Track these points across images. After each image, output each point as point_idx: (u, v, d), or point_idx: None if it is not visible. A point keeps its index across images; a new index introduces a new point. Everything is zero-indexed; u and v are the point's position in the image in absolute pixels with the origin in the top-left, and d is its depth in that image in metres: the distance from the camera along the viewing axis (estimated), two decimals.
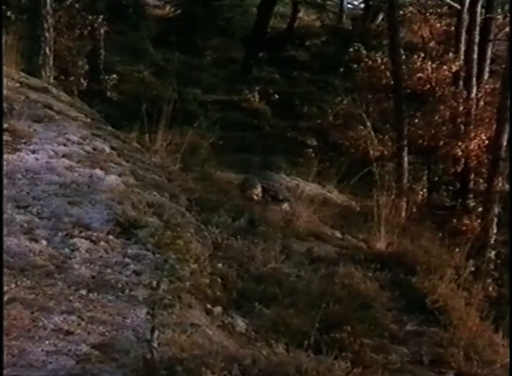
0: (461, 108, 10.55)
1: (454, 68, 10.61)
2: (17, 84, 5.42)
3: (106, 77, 11.34)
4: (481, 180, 10.56)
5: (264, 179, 6.93)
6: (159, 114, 6.08)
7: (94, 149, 4.82)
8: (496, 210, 9.33)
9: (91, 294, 3.17)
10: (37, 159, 4.32)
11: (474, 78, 10.65)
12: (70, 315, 2.99)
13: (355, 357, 3.28)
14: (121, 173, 4.58)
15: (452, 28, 11.47)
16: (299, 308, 3.71)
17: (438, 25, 11.98)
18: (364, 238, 5.78)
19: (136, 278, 3.38)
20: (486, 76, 10.99)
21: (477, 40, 10.62)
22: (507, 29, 10.93)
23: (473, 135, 10.33)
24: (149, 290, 3.28)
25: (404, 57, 10.91)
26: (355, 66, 11.45)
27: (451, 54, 10.83)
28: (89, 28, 10.55)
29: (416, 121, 10.82)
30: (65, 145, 4.67)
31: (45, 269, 3.24)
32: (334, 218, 6.53)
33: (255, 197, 6.56)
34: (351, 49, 11.74)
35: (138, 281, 3.35)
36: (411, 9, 12.10)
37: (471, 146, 10.27)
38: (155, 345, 2.78)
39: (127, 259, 3.54)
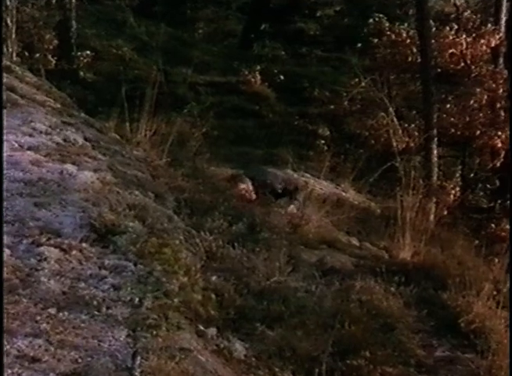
0: (501, 91, 10.54)
1: (493, 43, 10.59)
2: None
3: (79, 53, 11.34)
4: None
5: (265, 175, 6.92)
6: (142, 99, 6.09)
7: (65, 140, 4.83)
8: None
9: (61, 314, 3.17)
10: None
11: None
12: (37, 338, 3.00)
13: None
14: (97, 169, 4.59)
15: None
16: (308, 329, 3.72)
17: None
18: (385, 246, 5.79)
19: (115, 294, 3.38)
20: None
21: None
22: None
23: None
24: (130, 308, 3.28)
25: (434, 30, 10.90)
26: (376, 40, 11.45)
27: (490, 26, 10.83)
28: None
29: (448, 106, 10.82)
30: (31, 135, 4.68)
31: (7, 284, 3.24)
32: (350, 222, 6.54)
33: (246, 195, 6.58)
34: (371, 21, 11.73)
35: (117, 297, 3.36)
36: None
37: None
38: (137, 373, 2.78)
39: (104, 271, 3.54)
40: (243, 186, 6.62)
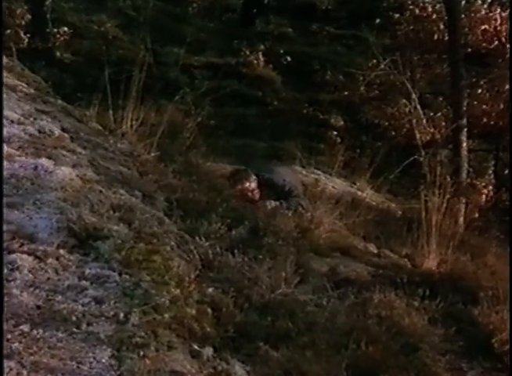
0: None
1: None
2: None
3: (55, 30, 11.36)
4: None
5: (269, 172, 6.92)
6: (127, 84, 6.09)
7: (39, 131, 4.83)
8: None
9: (35, 331, 3.17)
10: None
11: None
12: (8, 360, 3.00)
13: None
14: (76, 164, 4.59)
15: None
16: (319, 349, 3.72)
17: None
18: (408, 253, 5.81)
19: (96, 308, 3.38)
20: None
21: None
22: None
23: None
24: (115, 324, 3.28)
25: (464, 3, 10.90)
26: (397, 16, 11.46)
27: None
28: None
29: (480, 91, 10.84)
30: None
31: None
32: (367, 225, 6.55)
33: (250, 195, 6.58)
34: None
35: (100, 312, 3.36)
36: None
37: None
38: None
39: (84, 282, 3.54)
40: (247, 183, 6.61)
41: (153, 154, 5.68)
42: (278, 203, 6.36)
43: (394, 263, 5.50)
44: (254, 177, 6.74)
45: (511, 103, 9.80)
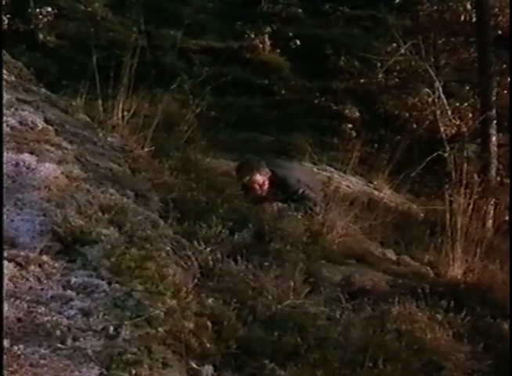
0: None
1: None
2: None
3: (37, 10, 11.38)
4: None
5: (276, 170, 6.92)
6: (118, 70, 6.10)
7: (21, 123, 4.84)
8: None
9: (16, 347, 3.17)
10: None
11: None
12: None
13: None
14: (62, 160, 4.60)
15: None
16: (332, 367, 3.72)
17: None
18: (430, 261, 5.81)
19: (83, 321, 3.39)
20: None
21: None
22: None
23: None
24: (103, 339, 3.29)
25: None
26: None
27: None
28: None
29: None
30: None
31: None
32: (385, 229, 6.56)
33: (258, 190, 6.56)
34: None
35: (87, 326, 3.36)
36: None
37: None
38: None
39: (69, 292, 3.54)
40: (257, 175, 6.58)
41: (146, 149, 5.70)
42: (286, 204, 6.34)
43: (415, 271, 5.50)
44: (266, 170, 6.70)
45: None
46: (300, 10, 13.63)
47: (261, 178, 6.61)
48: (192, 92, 8.72)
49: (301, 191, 6.69)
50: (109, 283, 3.67)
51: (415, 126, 10.64)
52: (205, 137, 7.51)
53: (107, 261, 3.79)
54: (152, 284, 3.70)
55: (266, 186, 6.63)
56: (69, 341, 3.27)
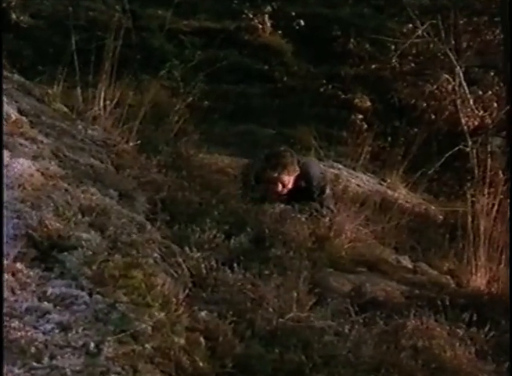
0: None
1: None
2: None
3: None
4: None
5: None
6: (99, 54, 6.10)
7: None
8: None
9: None
10: None
11: None
12: None
13: None
14: (37, 155, 4.61)
15: None
16: None
17: None
18: (450, 269, 5.81)
19: (62, 337, 3.38)
20: None
21: None
22: None
23: None
24: (84, 356, 3.29)
25: None
26: None
27: None
28: None
29: None
30: None
31: None
32: (400, 233, 6.57)
33: (279, 190, 6.41)
34: None
35: (66, 342, 3.36)
36: None
37: None
38: None
39: (46, 304, 3.54)
40: (285, 173, 6.42)
41: (131, 143, 5.70)
42: (289, 204, 6.31)
43: (433, 281, 5.50)
44: (296, 167, 6.52)
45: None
46: None
47: (287, 179, 6.44)
48: (184, 79, 8.73)
49: (327, 192, 6.58)
50: (90, 294, 3.67)
51: (433, 117, 10.65)
52: (198, 130, 7.51)
53: (88, 269, 3.79)
54: (138, 295, 3.71)
55: (290, 186, 6.48)
56: (45, 360, 3.26)
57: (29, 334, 3.37)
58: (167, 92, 8.13)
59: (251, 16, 12.42)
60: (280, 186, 6.40)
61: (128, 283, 3.75)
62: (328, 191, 6.62)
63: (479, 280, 5.44)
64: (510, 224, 6.20)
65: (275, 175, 6.38)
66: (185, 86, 7.88)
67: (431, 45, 11.18)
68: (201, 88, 8.22)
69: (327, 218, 6.15)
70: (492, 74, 11.51)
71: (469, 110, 10.28)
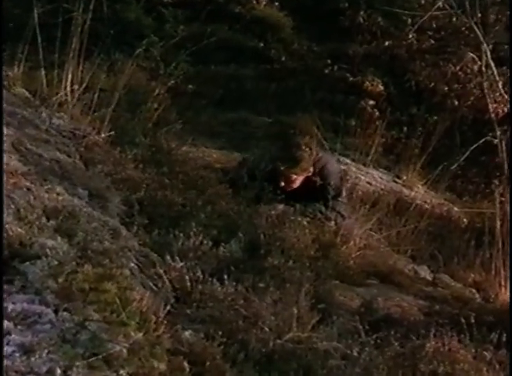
0: None
1: None
2: None
3: None
4: None
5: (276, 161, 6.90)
6: (66, 29, 6.10)
7: None
8: None
9: None
10: None
11: None
12: None
13: None
14: None
15: None
16: None
17: None
18: (476, 281, 5.81)
19: (24, 361, 3.40)
20: None
21: None
22: None
23: None
24: None
25: None
26: None
27: None
28: None
29: None
30: None
31: None
32: (418, 239, 6.57)
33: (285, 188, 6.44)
34: None
35: (28, 367, 3.38)
36: None
37: None
38: None
39: (6, 323, 3.54)
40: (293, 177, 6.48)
41: (104, 135, 5.70)
42: (290, 205, 6.32)
43: (456, 295, 5.51)
44: (311, 167, 6.54)
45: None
46: None
47: (295, 176, 6.45)
48: (164, 59, 8.73)
49: (343, 194, 6.59)
50: (56, 312, 3.68)
51: (456, 103, 10.63)
52: (181, 118, 7.48)
53: (53, 282, 3.79)
54: (111, 312, 3.71)
55: (295, 185, 6.50)
56: None
57: None
58: (145, 74, 8.13)
59: None
60: (282, 183, 6.44)
61: (100, 299, 3.76)
62: (344, 193, 6.63)
63: (509, 294, 5.46)
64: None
65: (304, 166, 6.45)
66: (166, 67, 7.89)
67: (454, 19, 11.18)
68: (185, 70, 8.23)
69: (333, 222, 6.17)
70: None
71: (497, 94, 10.27)
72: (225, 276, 4.45)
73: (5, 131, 4.84)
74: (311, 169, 6.51)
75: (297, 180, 6.47)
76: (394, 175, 8.81)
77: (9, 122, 4.99)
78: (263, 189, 6.20)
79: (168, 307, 4.06)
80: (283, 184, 6.41)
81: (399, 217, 6.87)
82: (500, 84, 10.37)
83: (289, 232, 5.48)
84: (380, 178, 8.47)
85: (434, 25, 11.60)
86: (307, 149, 6.55)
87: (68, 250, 4.05)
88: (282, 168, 6.40)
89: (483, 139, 9.06)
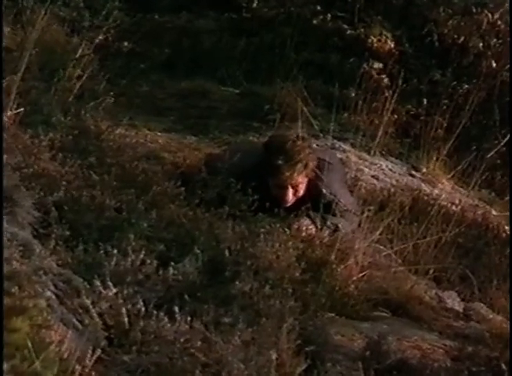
0: None
1: None
2: None
3: None
4: None
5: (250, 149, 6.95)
6: None
7: None
8: None
9: None
10: None
11: None
12: None
13: None
14: None
15: None
16: None
17: None
18: None
19: None
20: None
21: None
22: None
23: None
24: None
25: None
26: None
27: None
28: None
29: None
30: None
31: None
32: (443, 254, 6.59)
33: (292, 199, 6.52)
34: None
35: None
36: None
37: None
38: None
39: None
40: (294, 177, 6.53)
41: (10, 113, 5.71)
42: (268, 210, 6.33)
43: (496, 332, 5.54)
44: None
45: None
46: None
47: (301, 181, 6.54)
48: (90, 6, 8.74)
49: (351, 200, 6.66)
50: None
51: (494, 65, 10.67)
52: (114, 89, 7.50)
53: None
54: (22, 359, 3.74)
55: (300, 193, 6.56)
56: None
57: None
58: (64, 27, 8.14)
59: None
60: (291, 193, 6.50)
61: (7, 340, 3.79)
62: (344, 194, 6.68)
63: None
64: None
65: (288, 174, 6.53)
66: (93, 17, 7.92)
67: None
68: (118, 21, 8.25)
69: (326, 232, 6.17)
70: None
71: None
72: (177, 309, 4.46)
73: None
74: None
75: (303, 186, 6.54)
76: (410, 165, 8.84)
77: None
78: (228, 187, 6.21)
79: (98, 352, 4.07)
80: (291, 195, 6.50)
81: (417, 224, 6.88)
82: None
83: (264, 246, 5.47)
84: (391, 170, 8.48)
85: None
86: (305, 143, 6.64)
87: None
88: (286, 173, 6.45)
89: None
